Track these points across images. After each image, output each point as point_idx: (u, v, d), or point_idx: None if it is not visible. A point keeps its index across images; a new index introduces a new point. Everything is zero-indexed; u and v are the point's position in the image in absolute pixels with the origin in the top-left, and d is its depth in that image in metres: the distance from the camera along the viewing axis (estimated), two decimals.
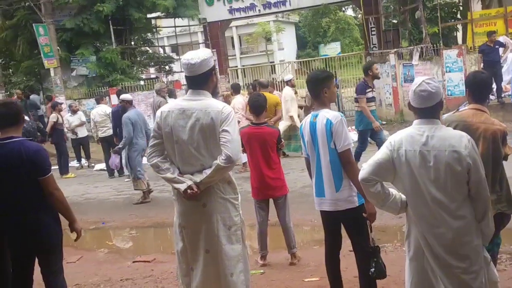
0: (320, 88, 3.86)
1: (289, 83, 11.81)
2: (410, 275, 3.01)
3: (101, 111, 11.87)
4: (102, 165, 12.70)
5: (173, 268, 5.45)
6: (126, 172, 11.23)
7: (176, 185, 3.37)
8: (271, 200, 5.31)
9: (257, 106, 5.25)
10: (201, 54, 3.37)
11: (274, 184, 5.17)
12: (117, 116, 10.99)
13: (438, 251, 2.83)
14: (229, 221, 3.41)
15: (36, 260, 3.84)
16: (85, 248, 6.85)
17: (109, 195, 10.06)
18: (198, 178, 3.32)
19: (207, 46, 19.22)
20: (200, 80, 3.39)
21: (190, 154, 3.34)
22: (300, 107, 13.70)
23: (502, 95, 12.78)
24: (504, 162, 3.49)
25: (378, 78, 8.85)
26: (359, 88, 8.47)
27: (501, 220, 3.35)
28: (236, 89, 11.18)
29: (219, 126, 3.28)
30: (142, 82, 19.78)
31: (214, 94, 3.60)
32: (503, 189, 3.46)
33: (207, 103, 3.35)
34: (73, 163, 14.27)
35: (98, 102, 12.48)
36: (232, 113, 3.36)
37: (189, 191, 3.31)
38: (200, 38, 27.44)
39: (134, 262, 6.02)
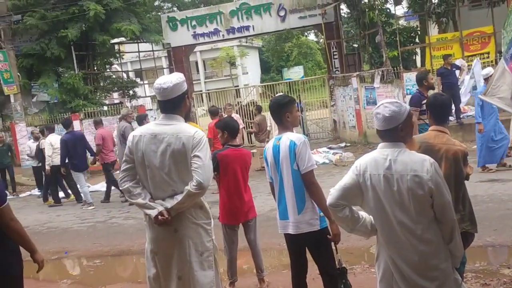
0: (282, 113, 3.91)
1: None
2: None
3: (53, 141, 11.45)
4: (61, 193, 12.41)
5: None
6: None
7: (147, 211, 3.32)
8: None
9: (232, 128, 5.25)
10: (174, 78, 3.35)
11: (248, 207, 5.15)
12: (65, 145, 10.78)
13: (406, 273, 2.84)
14: (201, 246, 3.37)
15: None
16: (47, 280, 6.60)
17: (72, 224, 9.78)
18: (169, 204, 3.28)
19: (171, 71, 19.19)
20: (173, 105, 3.37)
21: (161, 179, 3.31)
22: (249, 133, 13.88)
23: (461, 116, 13.21)
24: (466, 181, 3.58)
25: (433, 88, 7.90)
26: (415, 99, 7.39)
27: (466, 239, 3.41)
28: (213, 113, 11.01)
29: (191, 152, 3.25)
30: (105, 108, 19.50)
31: (187, 118, 3.57)
32: (466, 209, 3.54)
33: (178, 128, 3.32)
34: (34, 191, 13.87)
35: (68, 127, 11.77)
36: (204, 138, 3.33)
37: (160, 217, 3.27)
38: (164, 63, 27.41)
39: None
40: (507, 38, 4.32)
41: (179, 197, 3.26)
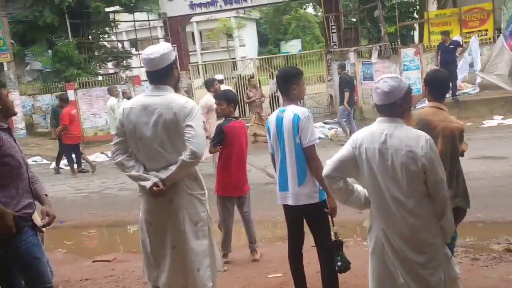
0: (289, 85, 3.88)
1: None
2: (371, 268, 3.06)
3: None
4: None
5: (135, 267, 5.39)
6: None
7: (142, 183, 3.33)
8: None
9: (236, 101, 5.32)
10: (161, 49, 3.34)
11: (245, 179, 5.28)
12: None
13: (397, 245, 2.89)
14: (196, 216, 3.39)
15: None
16: None
17: (66, 194, 9.81)
18: (164, 174, 3.29)
19: (167, 41, 18.94)
20: (161, 75, 3.35)
21: (154, 150, 3.31)
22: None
23: (457, 93, 13.21)
24: (460, 158, 3.60)
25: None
26: None
27: (457, 214, 3.44)
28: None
29: (183, 122, 3.24)
30: (100, 78, 19.33)
31: (177, 88, 3.56)
32: (459, 184, 3.57)
33: (169, 98, 3.31)
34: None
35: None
36: (195, 107, 3.32)
37: (155, 188, 3.28)
38: (160, 33, 27.00)
39: (93, 261, 5.91)
40: (507, 15, 4.28)
41: (173, 168, 3.27)
